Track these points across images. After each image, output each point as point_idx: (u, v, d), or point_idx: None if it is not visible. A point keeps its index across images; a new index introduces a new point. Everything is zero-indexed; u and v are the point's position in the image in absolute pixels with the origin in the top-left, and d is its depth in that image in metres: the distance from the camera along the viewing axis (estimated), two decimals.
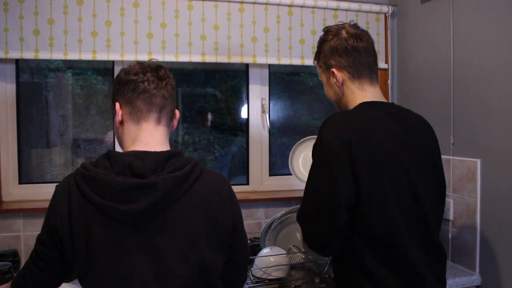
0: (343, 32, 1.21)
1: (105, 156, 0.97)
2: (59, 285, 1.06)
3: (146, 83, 1.03)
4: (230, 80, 2.38)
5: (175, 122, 1.12)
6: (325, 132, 1.10)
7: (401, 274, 1.10)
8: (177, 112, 1.12)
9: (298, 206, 1.23)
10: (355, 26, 1.24)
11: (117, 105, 1.05)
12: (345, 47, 1.20)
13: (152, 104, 1.03)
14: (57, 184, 0.99)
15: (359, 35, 1.21)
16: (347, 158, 1.06)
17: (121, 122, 1.05)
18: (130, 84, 1.03)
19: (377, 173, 1.08)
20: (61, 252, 0.98)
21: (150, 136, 1.03)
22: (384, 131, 1.13)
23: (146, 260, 0.93)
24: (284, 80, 2.46)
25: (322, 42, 1.26)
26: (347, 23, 1.25)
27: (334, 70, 1.22)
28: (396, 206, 1.10)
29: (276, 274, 1.62)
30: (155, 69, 1.06)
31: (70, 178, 0.97)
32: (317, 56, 1.29)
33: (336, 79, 1.23)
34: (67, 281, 1.63)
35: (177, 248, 0.94)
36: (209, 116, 2.39)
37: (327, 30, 1.26)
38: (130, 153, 0.97)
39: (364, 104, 1.19)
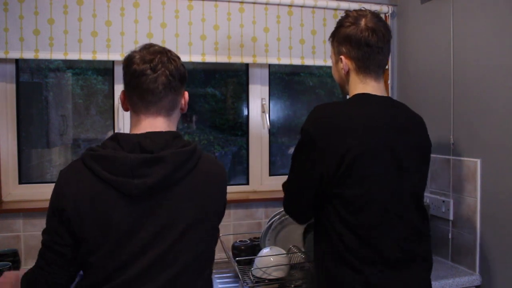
0: (362, 23, 1.19)
1: (112, 138, 1.01)
2: (73, 279, 1.06)
3: (140, 78, 1.03)
4: (230, 80, 2.38)
5: (184, 106, 1.14)
6: (307, 118, 1.18)
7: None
8: (186, 94, 1.14)
9: None
10: (377, 17, 1.21)
11: (121, 94, 1.11)
12: (358, 39, 1.18)
13: (146, 100, 1.05)
14: (61, 170, 1.02)
15: (376, 30, 1.18)
16: (319, 145, 1.12)
17: (127, 109, 1.11)
18: (127, 77, 1.06)
19: (358, 160, 1.11)
20: (72, 236, 0.98)
21: (150, 127, 1.06)
22: (368, 118, 1.15)
23: (158, 232, 0.98)
24: (284, 80, 2.46)
25: (340, 25, 1.24)
26: (370, 12, 1.22)
27: (342, 57, 1.24)
28: (378, 194, 1.14)
29: (276, 274, 1.62)
30: (149, 60, 1.03)
31: (77, 162, 1.01)
32: (332, 36, 1.28)
33: (343, 66, 1.24)
34: None
35: (187, 218, 1.01)
36: (194, 118, 2.39)
37: (347, 15, 1.24)
38: (138, 134, 1.02)
39: (357, 95, 1.22)
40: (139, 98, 1.05)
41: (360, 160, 1.11)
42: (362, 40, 1.18)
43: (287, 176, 1.28)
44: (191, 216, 1.02)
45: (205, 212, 1.05)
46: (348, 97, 1.28)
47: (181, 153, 1.00)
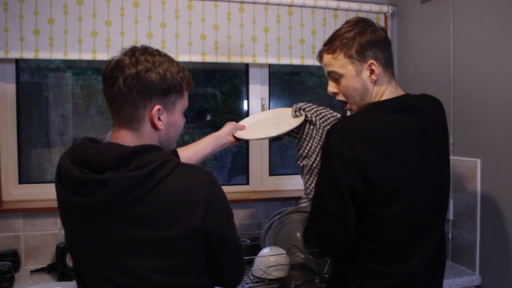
0: (375, 26, 1.19)
1: (79, 143, 0.96)
2: None
3: (103, 83, 0.96)
4: (230, 80, 2.38)
5: (158, 126, 0.97)
6: (334, 138, 1.11)
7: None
8: (154, 110, 0.95)
9: (296, 206, 1.25)
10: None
11: None
12: (382, 40, 1.18)
13: (109, 106, 0.97)
14: None
15: (388, 35, 1.22)
16: (356, 170, 1.07)
17: None
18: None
19: (388, 176, 1.10)
20: None
21: (114, 138, 0.98)
22: (392, 131, 1.13)
23: (97, 255, 0.94)
24: (284, 80, 2.46)
25: (357, 33, 1.17)
26: (374, 22, 1.22)
27: (374, 62, 1.16)
28: (411, 208, 1.13)
29: (276, 274, 1.62)
30: (114, 64, 0.94)
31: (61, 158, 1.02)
32: (346, 46, 1.17)
33: (375, 72, 1.17)
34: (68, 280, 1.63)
35: (131, 247, 0.91)
36: (208, 117, 2.39)
37: (357, 21, 1.19)
38: (95, 146, 0.93)
39: (373, 105, 1.19)
40: (107, 103, 0.99)
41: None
42: (385, 41, 1.19)
43: (287, 176, 1.28)
44: (139, 243, 0.91)
45: (159, 239, 0.91)
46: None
47: (129, 178, 0.87)
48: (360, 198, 1.10)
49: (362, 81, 1.18)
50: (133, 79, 0.91)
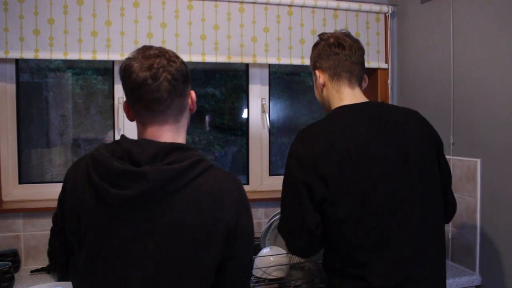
0: (330, 39, 1.29)
1: (117, 140, 0.98)
2: (64, 266, 1.06)
3: (142, 89, 0.95)
4: (230, 80, 2.38)
5: (192, 107, 1.08)
6: (293, 144, 1.20)
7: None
8: (193, 94, 1.07)
9: None
10: (346, 33, 1.32)
11: (124, 104, 1.03)
12: (326, 50, 1.28)
13: (152, 110, 0.97)
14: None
15: (341, 41, 1.27)
16: (311, 167, 1.12)
17: (132, 120, 1.04)
18: (127, 88, 0.98)
19: (347, 178, 1.11)
20: (64, 231, 1.01)
21: (155, 138, 0.99)
22: (353, 135, 1.15)
23: (130, 248, 0.92)
24: (284, 80, 2.46)
25: (313, 46, 1.35)
26: (340, 32, 1.32)
27: (317, 71, 1.31)
28: (371, 211, 1.11)
29: (276, 274, 1.62)
30: (148, 67, 0.95)
31: (80, 159, 1.01)
32: (310, 60, 1.37)
33: (318, 81, 1.30)
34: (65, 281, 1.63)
35: (164, 243, 0.92)
36: (207, 118, 2.39)
37: (319, 36, 1.35)
38: (135, 140, 0.97)
39: (337, 110, 1.24)
40: (144, 109, 0.98)
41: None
42: (330, 52, 1.27)
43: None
44: (170, 238, 0.92)
45: (190, 238, 0.93)
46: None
47: (167, 171, 0.90)
48: (319, 196, 1.12)
49: (318, 89, 1.33)
50: (178, 72, 0.98)
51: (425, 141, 1.21)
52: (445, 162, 1.28)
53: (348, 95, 1.26)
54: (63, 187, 1.01)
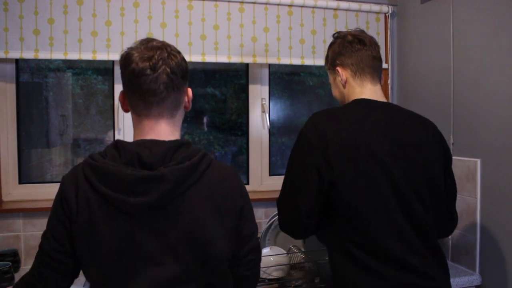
0: (348, 36, 1.30)
1: (113, 146, 0.94)
2: (71, 284, 1.00)
3: (140, 79, 0.94)
4: (230, 80, 2.38)
5: (188, 104, 1.07)
6: (305, 125, 1.20)
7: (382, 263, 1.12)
8: (189, 91, 1.06)
9: None
10: (360, 30, 1.33)
11: (120, 94, 1.03)
12: (349, 48, 1.29)
13: (147, 101, 0.96)
14: (64, 175, 0.98)
15: (360, 37, 1.29)
16: (320, 148, 1.12)
17: (127, 111, 1.03)
18: (125, 77, 0.97)
19: (353, 167, 1.12)
20: (72, 243, 0.94)
21: (152, 131, 0.99)
22: (366, 126, 1.16)
23: (155, 250, 0.92)
24: (284, 80, 2.46)
25: (330, 46, 1.35)
26: (355, 30, 1.34)
27: (338, 68, 1.30)
28: (372, 202, 1.12)
29: (276, 274, 1.62)
30: (149, 58, 0.95)
31: (77, 168, 0.95)
32: (326, 60, 1.38)
33: (340, 78, 1.30)
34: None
35: (186, 238, 0.93)
36: (205, 119, 2.39)
37: (334, 35, 1.36)
38: (138, 142, 0.95)
39: (356, 101, 1.25)
40: (140, 100, 0.97)
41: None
42: (350, 47, 1.28)
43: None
44: (191, 233, 0.94)
45: (209, 227, 0.96)
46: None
47: (183, 169, 0.92)
48: (324, 179, 1.12)
49: (338, 87, 1.33)
50: (177, 66, 0.98)
51: (436, 158, 1.23)
52: (452, 178, 1.28)
53: (370, 91, 1.27)
54: (61, 208, 0.94)
